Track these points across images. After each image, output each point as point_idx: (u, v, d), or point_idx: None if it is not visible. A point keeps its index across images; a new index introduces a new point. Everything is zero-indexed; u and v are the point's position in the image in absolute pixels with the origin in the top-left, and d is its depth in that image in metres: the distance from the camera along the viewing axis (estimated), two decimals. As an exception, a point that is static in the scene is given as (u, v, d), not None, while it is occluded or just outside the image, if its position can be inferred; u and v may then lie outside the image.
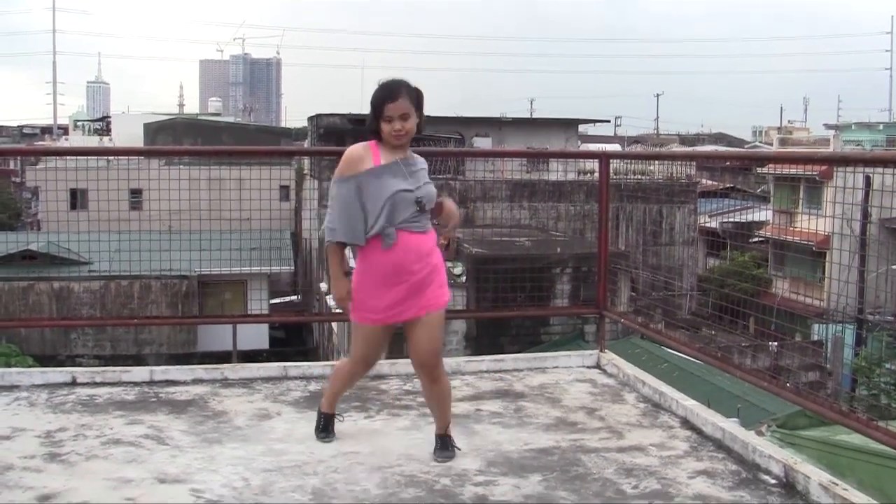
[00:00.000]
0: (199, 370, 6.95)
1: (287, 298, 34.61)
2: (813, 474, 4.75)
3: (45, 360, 23.98)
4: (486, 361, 7.41)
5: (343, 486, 4.71)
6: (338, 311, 6.01)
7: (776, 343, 24.02)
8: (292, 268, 33.94)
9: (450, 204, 5.24)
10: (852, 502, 4.40)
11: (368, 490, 4.68)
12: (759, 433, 10.59)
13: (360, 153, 4.97)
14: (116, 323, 24.38)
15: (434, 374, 5.10)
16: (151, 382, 6.76)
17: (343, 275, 5.09)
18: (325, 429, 5.45)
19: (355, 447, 5.24)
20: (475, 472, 4.96)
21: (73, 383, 6.68)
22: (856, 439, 13.96)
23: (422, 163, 5.17)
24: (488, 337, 26.35)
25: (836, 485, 4.59)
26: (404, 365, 7.21)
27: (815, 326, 29.87)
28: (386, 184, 4.89)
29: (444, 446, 5.19)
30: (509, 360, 7.53)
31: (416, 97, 5.02)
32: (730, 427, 5.58)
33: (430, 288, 5.02)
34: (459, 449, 5.23)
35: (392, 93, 4.91)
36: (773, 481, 4.91)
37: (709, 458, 5.29)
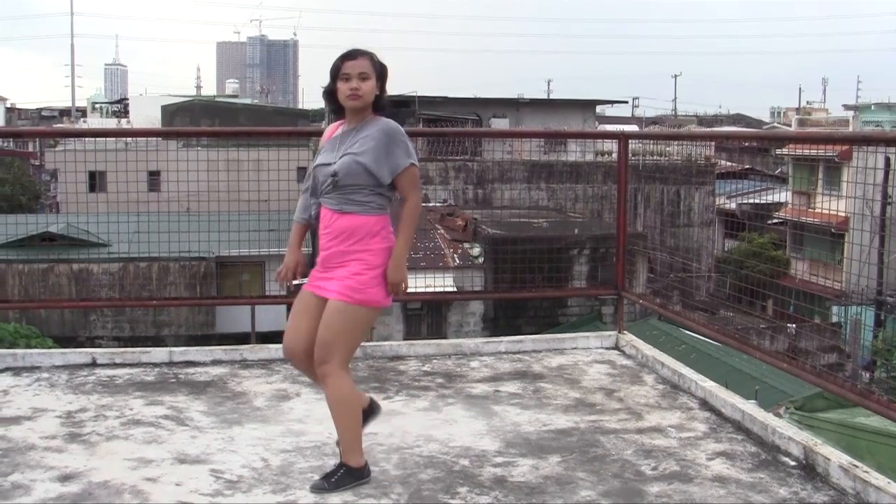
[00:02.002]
0: (219, 351, 6.98)
1: (304, 280, 34.60)
2: (833, 456, 4.73)
3: (64, 342, 24.11)
4: (505, 343, 7.41)
5: (362, 467, 4.72)
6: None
7: (794, 325, 23.95)
8: (310, 249, 33.94)
9: (389, 262, 4.56)
10: (873, 484, 4.38)
11: (387, 471, 4.69)
12: (777, 415, 10.57)
13: (324, 133, 4.82)
14: (136, 304, 24.45)
15: (322, 371, 4.51)
16: (171, 363, 6.79)
17: (293, 246, 4.92)
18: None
19: (374, 428, 5.22)
20: (494, 453, 4.96)
21: (93, 364, 6.72)
22: (874, 422, 13.93)
23: (371, 130, 4.57)
24: (506, 318, 26.40)
25: (857, 467, 4.58)
26: (422, 346, 7.27)
27: (834, 308, 29.75)
28: (319, 159, 4.68)
29: (327, 475, 4.56)
30: (528, 341, 7.53)
31: (380, 68, 4.63)
32: (749, 408, 5.56)
33: (335, 276, 4.54)
34: (349, 486, 4.49)
35: (353, 52, 4.60)
36: (793, 463, 4.90)
37: (728, 440, 5.28)
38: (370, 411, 4.81)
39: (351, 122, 4.65)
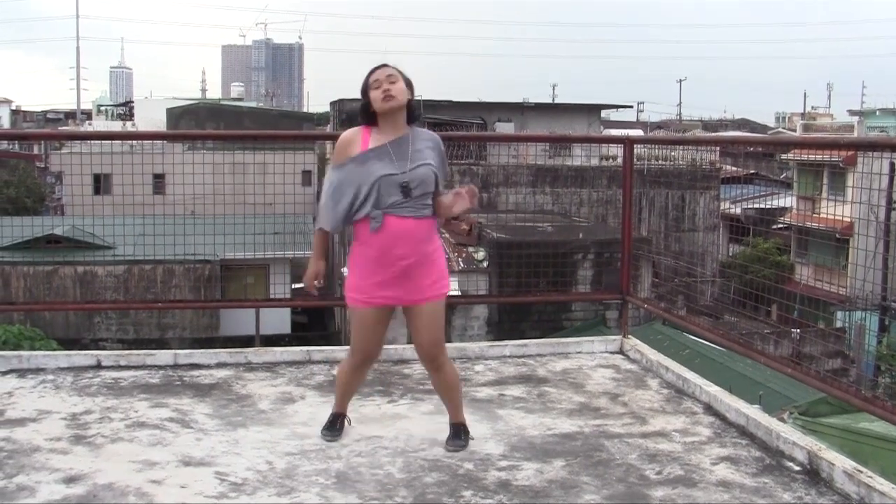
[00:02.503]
0: (223, 354, 6.99)
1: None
2: (837, 461, 4.73)
3: (68, 344, 24.10)
4: (510, 346, 7.41)
5: (367, 470, 4.73)
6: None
7: (798, 330, 23.93)
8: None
9: (445, 199, 4.94)
10: (877, 489, 4.38)
11: (392, 474, 4.69)
12: (781, 420, 10.57)
13: (349, 139, 4.89)
14: (142, 307, 24.53)
15: (436, 364, 5.06)
16: (176, 366, 6.80)
17: (319, 258, 5.10)
18: (329, 427, 5.27)
19: (379, 431, 5.25)
20: (498, 457, 4.97)
21: (98, 366, 6.73)
22: (878, 427, 13.92)
23: (425, 141, 4.94)
24: (510, 322, 26.38)
25: (861, 472, 4.58)
26: (427, 350, 7.25)
27: (838, 314, 29.72)
28: (370, 169, 4.75)
29: (457, 434, 5.14)
30: (532, 345, 7.53)
31: (407, 78, 4.90)
32: (753, 413, 5.57)
33: (426, 277, 4.90)
34: (473, 438, 5.17)
35: (381, 64, 4.89)
36: (797, 468, 4.90)
37: (732, 445, 5.28)
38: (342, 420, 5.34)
39: (391, 132, 4.85)
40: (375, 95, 4.78)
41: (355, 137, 4.88)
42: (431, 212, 4.91)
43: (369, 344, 5.09)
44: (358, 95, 4.90)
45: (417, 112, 4.97)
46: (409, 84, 4.89)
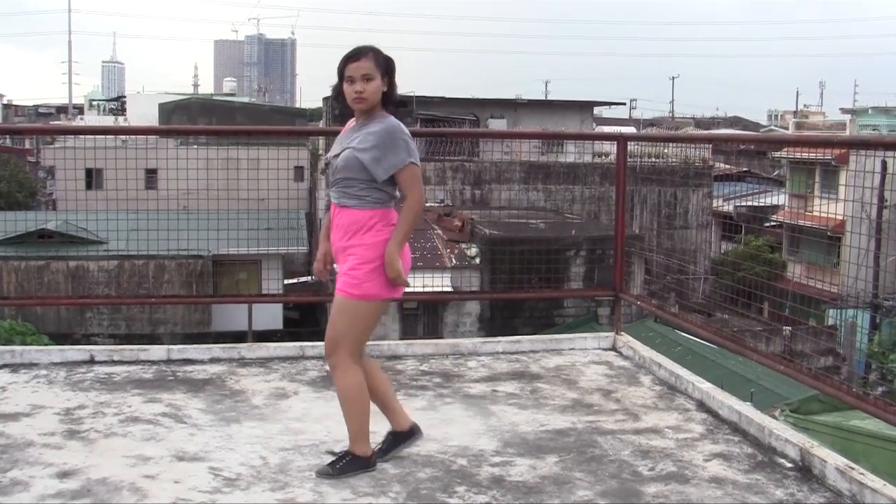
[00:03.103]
0: (217, 349, 6.99)
1: (301, 279, 34.67)
2: (829, 458, 4.75)
3: (59, 339, 24.07)
4: (503, 343, 7.42)
5: (360, 466, 4.73)
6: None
7: (790, 328, 23.99)
8: (307, 248, 33.99)
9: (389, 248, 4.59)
10: (869, 487, 4.40)
11: (385, 469, 4.70)
12: (772, 417, 10.60)
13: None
14: (135, 301, 24.51)
15: (330, 364, 4.70)
16: (169, 361, 6.80)
17: (324, 239, 4.91)
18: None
19: (372, 427, 5.23)
20: (492, 453, 4.98)
21: (92, 361, 6.73)
22: (869, 425, 13.96)
23: (372, 127, 4.63)
24: (502, 319, 26.43)
25: (853, 469, 4.59)
26: (420, 346, 7.28)
27: (830, 311, 29.78)
28: (331, 151, 4.78)
29: (332, 462, 4.69)
30: (525, 341, 7.54)
31: (385, 63, 4.66)
32: (746, 410, 5.59)
33: (341, 271, 4.67)
34: (334, 473, 4.62)
35: (356, 53, 4.63)
36: (790, 465, 4.92)
37: (725, 442, 5.30)
38: (410, 434, 4.94)
39: (360, 119, 4.74)
40: (348, 92, 4.63)
41: (346, 126, 4.88)
42: (362, 203, 4.61)
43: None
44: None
45: (393, 98, 4.73)
46: (387, 70, 4.68)
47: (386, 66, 4.67)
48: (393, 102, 4.75)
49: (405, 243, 4.67)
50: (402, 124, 4.69)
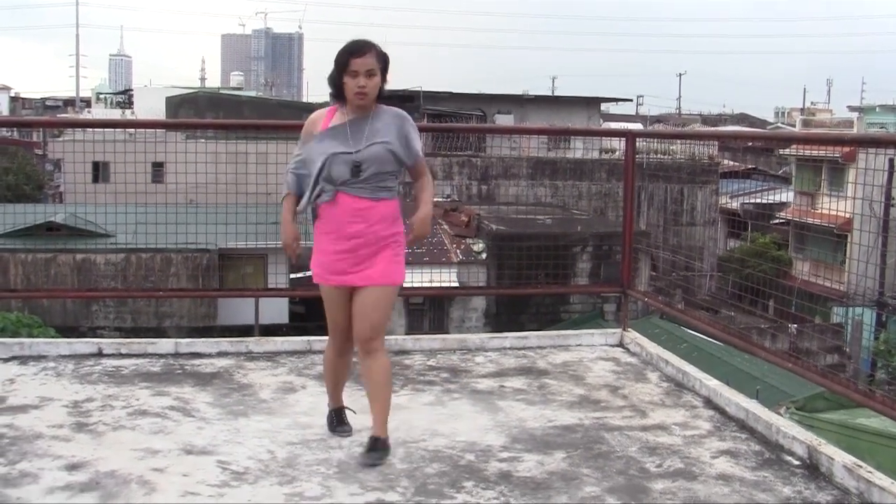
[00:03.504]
0: (224, 343, 7.00)
1: (307, 273, 34.59)
2: (837, 456, 4.75)
3: (66, 332, 24.09)
4: (510, 338, 7.43)
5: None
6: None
7: (795, 325, 23.98)
8: (312, 242, 33.97)
9: (418, 216, 4.88)
10: (876, 484, 4.40)
11: (393, 464, 4.71)
12: (778, 415, 10.61)
13: (314, 119, 4.92)
14: (142, 295, 24.51)
15: (369, 348, 4.85)
16: (177, 354, 6.81)
17: (288, 222, 5.01)
18: (338, 422, 5.21)
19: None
20: (499, 448, 4.98)
21: (100, 354, 6.74)
22: (875, 423, 13.95)
23: (386, 119, 4.83)
24: (508, 314, 26.44)
25: (861, 467, 4.59)
26: (428, 341, 7.29)
27: (835, 309, 29.76)
28: (325, 147, 4.74)
29: (374, 447, 4.81)
30: (532, 337, 7.54)
31: (384, 59, 4.77)
32: (753, 407, 5.58)
33: (377, 261, 4.80)
34: (384, 454, 4.81)
35: (360, 48, 4.71)
36: (797, 462, 4.92)
37: (732, 439, 5.30)
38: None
39: (355, 112, 4.80)
40: (350, 86, 4.70)
41: (319, 118, 4.90)
42: (393, 194, 4.85)
43: (338, 320, 5.00)
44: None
45: (384, 93, 4.82)
46: (384, 65, 4.78)
47: (385, 64, 4.78)
48: (382, 97, 4.85)
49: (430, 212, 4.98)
50: (406, 112, 4.96)
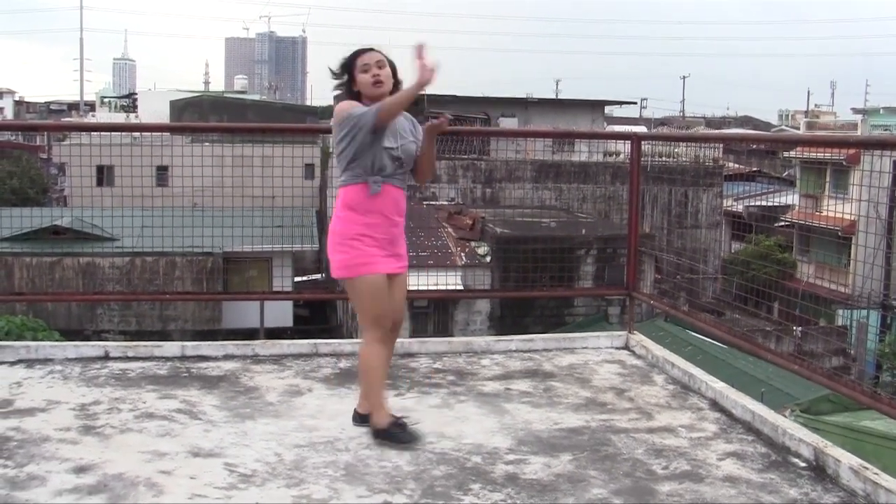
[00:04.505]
0: (230, 346, 7.01)
1: (311, 276, 34.70)
2: (843, 458, 4.75)
3: (70, 335, 24.12)
4: (516, 341, 7.43)
5: (375, 463, 4.75)
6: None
7: (800, 328, 23.95)
8: (317, 246, 34.01)
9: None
10: (883, 487, 4.40)
11: (400, 466, 4.71)
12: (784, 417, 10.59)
13: (354, 103, 4.99)
14: (148, 298, 24.53)
15: (398, 329, 5.27)
16: (183, 357, 6.82)
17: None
18: (403, 431, 5.07)
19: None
20: (506, 451, 4.99)
21: (106, 357, 6.75)
22: (880, 425, 13.94)
23: (406, 120, 5.18)
24: (512, 317, 26.43)
25: (867, 469, 4.59)
26: (434, 344, 7.29)
27: (840, 312, 29.73)
28: (377, 137, 4.89)
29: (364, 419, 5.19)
30: (538, 340, 7.55)
31: (391, 62, 5.06)
32: (759, 410, 5.58)
33: (404, 248, 5.17)
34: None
35: (364, 48, 5.03)
36: (803, 464, 4.92)
37: (738, 441, 5.30)
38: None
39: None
40: (365, 79, 4.94)
41: (354, 105, 5.00)
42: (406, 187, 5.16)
43: (389, 309, 5.10)
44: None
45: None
46: (393, 68, 5.06)
47: (392, 64, 5.05)
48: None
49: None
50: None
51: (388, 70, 4.98)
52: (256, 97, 79.46)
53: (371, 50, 5.00)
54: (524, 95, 49.24)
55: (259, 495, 4.34)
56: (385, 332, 5.12)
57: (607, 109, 53.70)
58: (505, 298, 26.24)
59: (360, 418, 5.22)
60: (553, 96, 64.43)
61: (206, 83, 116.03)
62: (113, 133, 9.88)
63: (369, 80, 4.92)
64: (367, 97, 4.97)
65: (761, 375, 18.05)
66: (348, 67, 4.98)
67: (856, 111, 68.17)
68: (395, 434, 5.01)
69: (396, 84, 5.04)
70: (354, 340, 7.49)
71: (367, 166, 4.92)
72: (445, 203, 32.84)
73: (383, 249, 4.99)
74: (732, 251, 37.24)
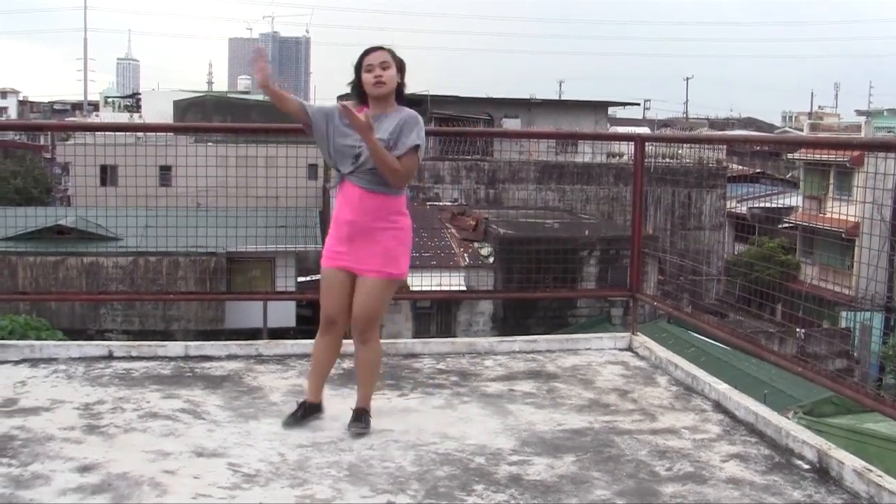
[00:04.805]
0: (234, 346, 7.01)
1: (314, 277, 34.66)
2: (847, 460, 4.75)
3: (73, 335, 24.09)
4: (519, 342, 7.43)
5: (378, 463, 4.76)
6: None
7: (803, 330, 23.94)
8: (320, 246, 34.00)
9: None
10: (887, 489, 4.40)
11: (403, 467, 4.72)
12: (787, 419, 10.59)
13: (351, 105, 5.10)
14: (152, 298, 24.50)
15: (363, 338, 5.18)
16: (187, 357, 6.83)
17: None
18: (293, 414, 5.35)
19: (390, 425, 5.27)
20: (509, 452, 4.99)
21: (110, 357, 6.76)
22: (883, 428, 13.93)
23: (395, 118, 5.05)
24: (515, 318, 26.43)
25: (871, 471, 4.59)
26: (437, 344, 7.29)
27: (844, 314, 29.71)
28: (339, 133, 5.07)
29: (358, 418, 5.21)
30: (541, 341, 7.55)
31: (399, 60, 5.11)
32: (763, 411, 5.58)
33: (371, 253, 5.05)
34: (367, 428, 5.20)
35: (372, 48, 5.09)
36: (807, 466, 4.92)
37: (742, 442, 5.30)
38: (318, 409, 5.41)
39: (375, 110, 5.04)
40: (367, 79, 5.02)
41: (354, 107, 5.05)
42: (389, 190, 5.03)
43: (327, 305, 5.24)
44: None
45: (404, 93, 5.17)
46: (401, 66, 5.12)
47: (400, 63, 5.11)
48: (403, 98, 5.17)
49: (372, 145, 4.85)
50: (417, 114, 5.12)
51: (392, 70, 5.03)
52: (260, 97, 79.30)
53: (378, 49, 5.06)
54: (527, 96, 49.29)
55: (263, 495, 4.35)
56: (325, 326, 5.30)
57: (610, 111, 53.73)
58: (508, 299, 26.24)
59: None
60: (556, 97, 64.46)
61: (210, 83, 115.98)
62: (117, 133, 9.90)
63: (371, 80, 5.00)
64: (371, 97, 5.06)
65: (764, 377, 18.05)
66: (358, 68, 5.08)
67: (859, 113, 68.23)
68: (291, 412, 5.38)
69: (403, 84, 5.14)
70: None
71: (331, 163, 5.14)
72: (449, 204, 32.84)
73: (340, 245, 5.12)
74: (736, 253, 37.22)
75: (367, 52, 5.07)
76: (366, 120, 4.78)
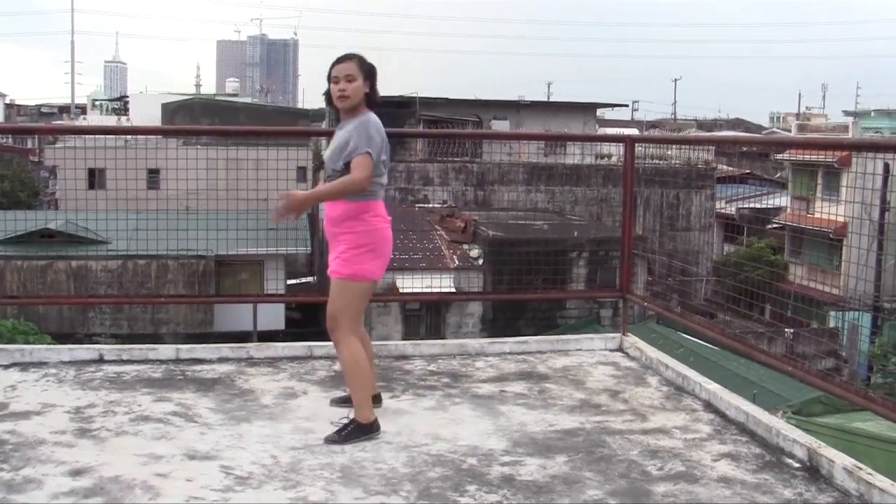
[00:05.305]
0: (225, 349, 7.01)
1: (303, 279, 34.65)
2: (837, 458, 4.77)
3: (62, 339, 24.02)
4: (510, 343, 7.44)
5: (371, 465, 4.76)
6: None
7: (791, 330, 24.01)
8: (309, 249, 33.96)
9: (292, 191, 5.21)
10: (877, 486, 4.42)
11: (396, 469, 4.72)
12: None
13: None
14: (142, 301, 24.51)
15: (332, 337, 5.28)
16: (177, 360, 6.82)
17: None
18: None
19: (382, 427, 5.27)
20: (501, 452, 5.00)
21: (101, 360, 6.75)
22: (871, 427, 13.99)
23: (351, 125, 5.15)
24: (504, 320, 26.45)
25: (861, 469, 4.61)
26: (428, 346, 7.30)
27: (832, 313, 29.80)
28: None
29: (338, 430, 5.12)
30: (532, 342, 7.56)
31: (368, 68, 5.20)
32: (753, 411, 5.60)
33: (334, 255, 5.23)
34: (338, 441, 5.06)
35: (340, 58, 5.20)
36: (797, 465, 4.94)
37: (732, 442, 5.32)
38: (372, 428, 5.22)
39: (345, 119, 5.25)
40: (333, 91, 5.18)
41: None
42: (349, 197, 5.12)
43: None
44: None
45: (375, 99, 5.27)
46: (369, 74, 5.20)
47: (368, 71, 5.20)
48: (375, 104, 5.27)
49: (316, 200, 5.56)
50: (376, 119, 5.20)
51: (357, 83, 5.12)
52: (248, 100, 79.32)
53: (345, 60, 5.17)
54: (516, 98, 49.30)
55: (255, 497, 4.35)
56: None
57: (599, 112, 53.75)
58: (497, 301, 26.26)
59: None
60: (545, 99, 64.50)
61: (198, 86, 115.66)
62: (105, 136, 9.88)
63: (336, 93, 5.16)
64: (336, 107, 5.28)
65: (753, 377, 18.09)
66: (328, 77, 5.20)
67: (847, 113, 68.36)
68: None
69: (373, 91, 5.23)
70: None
71: None
72: (438, 206, 32.84)
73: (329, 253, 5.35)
74: (724, 253, 37.31)
75: (335, 63, 5.18)
76: (284, 202, 5.00)
